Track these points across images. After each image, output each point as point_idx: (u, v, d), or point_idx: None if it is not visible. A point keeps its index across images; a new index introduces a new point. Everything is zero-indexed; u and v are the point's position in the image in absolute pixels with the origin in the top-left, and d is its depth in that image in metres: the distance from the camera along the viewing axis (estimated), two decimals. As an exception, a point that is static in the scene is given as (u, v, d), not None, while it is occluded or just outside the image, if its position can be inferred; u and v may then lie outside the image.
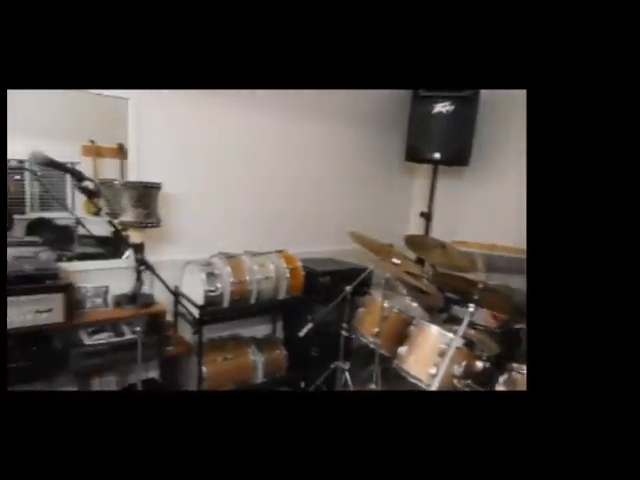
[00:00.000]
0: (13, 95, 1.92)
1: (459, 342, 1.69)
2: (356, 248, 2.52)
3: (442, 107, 2.83)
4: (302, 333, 2.26)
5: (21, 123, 2.08)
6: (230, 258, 2.43)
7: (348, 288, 2.34)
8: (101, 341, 2.05)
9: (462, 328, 1.73)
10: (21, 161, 2.16)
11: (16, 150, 2.11)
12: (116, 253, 2.35)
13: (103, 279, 2.21)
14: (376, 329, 2.24)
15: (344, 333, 2.45)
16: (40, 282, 1.81)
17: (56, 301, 1.84)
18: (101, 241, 2.34)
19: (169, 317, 2.38)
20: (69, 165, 1.76)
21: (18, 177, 2.13)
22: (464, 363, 1.84)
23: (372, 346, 2.28)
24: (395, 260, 2.14)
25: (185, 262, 2.41)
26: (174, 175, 2.39)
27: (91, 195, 1.58)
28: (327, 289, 2.58)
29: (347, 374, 2.46)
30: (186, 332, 2.48)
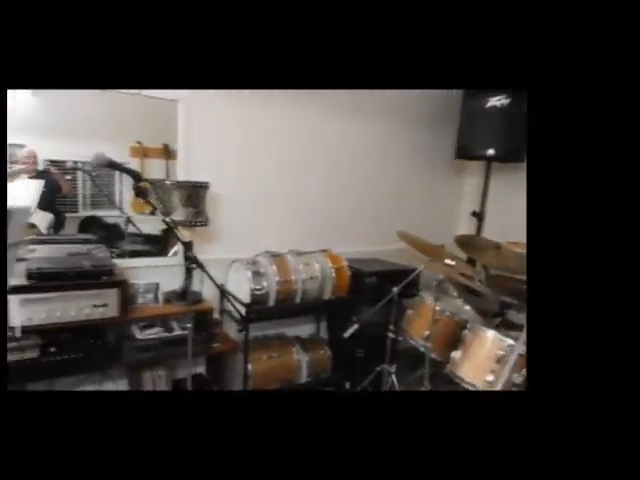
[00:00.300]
0: (70, 99, 2.01)
1: (522, 348, 1.58)
2: (402, 248, 2.44)
3: (497, 101, 2.68)
4: (347, 334, 2.22)
5: (76, 126, 2.16)
6: (275, 257, 2.42)
7: (395, 289, 2.27)
8: (152, 336, 2.10)
9: (525, 333, 1.62)
10: (75, 162, 2.25)
11: (71, 152, 2.20)
12: (163, 251, 2.40)
13: (153, 276, 2.26)
14: (427, 332, 2.16)
15: (391, 335, 2.39)
16: (97, 278, 1.86)
17: (112, 296, 1.89)
18: (148, 239, 2.40)
19: (216, 314, 2.40)
20: (128, 166, 1.82)
21: (69, 177, 2.21)
22: (524, 371, 1.73)
23: (422, 349, 2.20)
24: (449, 261, 2.04)
25: (231, 260, 2.43)
26: (221, 175, 2.40)
27: (145, 195, 1.61)
28: (373, 290, 2.52)
29: (393, 377, 2.39)
30: (231, 330, 2.49)
